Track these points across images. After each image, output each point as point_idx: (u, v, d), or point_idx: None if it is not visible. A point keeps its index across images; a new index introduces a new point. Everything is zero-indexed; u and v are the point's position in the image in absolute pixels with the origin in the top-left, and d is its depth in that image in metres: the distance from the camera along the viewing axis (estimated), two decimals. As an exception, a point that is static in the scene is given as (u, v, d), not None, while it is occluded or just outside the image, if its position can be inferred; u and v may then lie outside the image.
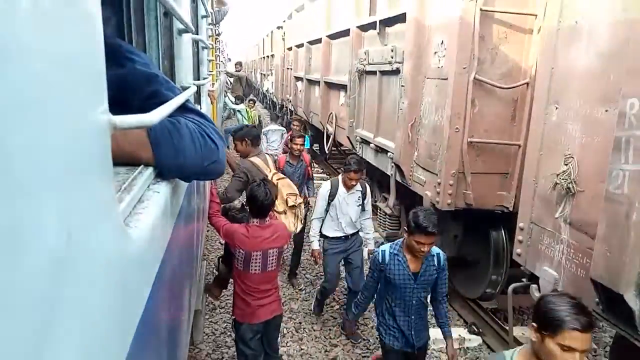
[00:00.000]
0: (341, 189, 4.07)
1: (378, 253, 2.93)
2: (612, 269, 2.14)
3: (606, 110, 2.34)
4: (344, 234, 4.14)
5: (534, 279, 2.97)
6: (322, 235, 4.21)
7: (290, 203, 4.17)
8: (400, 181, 4.98)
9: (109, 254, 0.60)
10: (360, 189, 4.08)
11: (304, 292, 5.06)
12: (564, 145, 2.64)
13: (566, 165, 2.58)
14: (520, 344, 4.05)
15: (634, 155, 1.99)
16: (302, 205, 4.35)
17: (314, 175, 6.32)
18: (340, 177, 4.14)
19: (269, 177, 3.99)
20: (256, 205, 2.95)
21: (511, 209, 3.80)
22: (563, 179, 2.56)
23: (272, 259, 2.99)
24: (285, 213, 4.14)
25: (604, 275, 2.19)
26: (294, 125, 7.27)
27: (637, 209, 1.97)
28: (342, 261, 4.27)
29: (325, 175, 9.70)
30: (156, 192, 0.89)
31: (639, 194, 1.97)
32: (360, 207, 4.10)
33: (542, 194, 2.84)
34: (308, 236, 4.46)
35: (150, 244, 0.80)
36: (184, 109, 1.09)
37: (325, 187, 4.15)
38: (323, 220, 4.17)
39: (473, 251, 4.57)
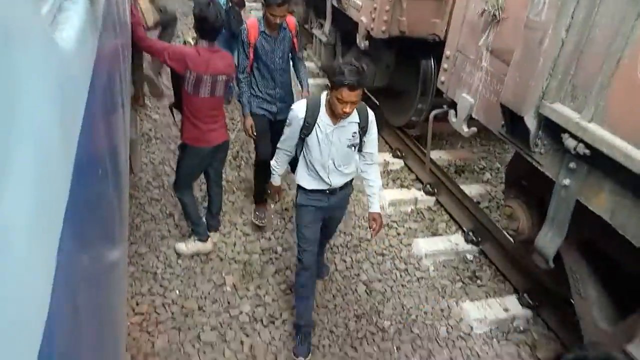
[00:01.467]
0: (323, 117, 2.49)
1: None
2: (518, 93, 2.37)
3: None
4: (328, 187, 2.66)
5: (454, 106, 3.18)
6: (297, 186, 2.75)
7: None
8: (337, 6, 4.81)
9: (38, 61, 0.60)
10: (358, 120, 2.53)
11: (239, 123, 5.16)
12: (497, -30, 2.62)
13: (496, -10, 2.60)
14: (436, 165, 4.58)
15: (557, -19, 2.05)
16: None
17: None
18: (322, 95, 2.53)
19: None
20: (206, 26, 2.87)
21: (442, 37, 3.87)
22: (491, 5, 2.62)
23: (220, 86, 3.02)
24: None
25: (511, 99, 2.44)
26: None
27: (549, 35, 2.12)
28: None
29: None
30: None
31: (553, 21, 2.09)
32: (353, 147, 2.59)
33: (471, 21, 2.91)
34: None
35: (79, 53, 0.80)
36: None
37: (297, 110, 2.53)
38: (295, 159, 2.73)
39: (403, 81, 4.76)
